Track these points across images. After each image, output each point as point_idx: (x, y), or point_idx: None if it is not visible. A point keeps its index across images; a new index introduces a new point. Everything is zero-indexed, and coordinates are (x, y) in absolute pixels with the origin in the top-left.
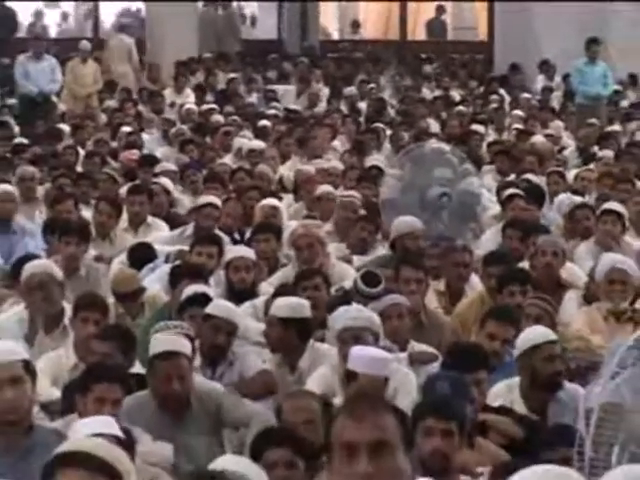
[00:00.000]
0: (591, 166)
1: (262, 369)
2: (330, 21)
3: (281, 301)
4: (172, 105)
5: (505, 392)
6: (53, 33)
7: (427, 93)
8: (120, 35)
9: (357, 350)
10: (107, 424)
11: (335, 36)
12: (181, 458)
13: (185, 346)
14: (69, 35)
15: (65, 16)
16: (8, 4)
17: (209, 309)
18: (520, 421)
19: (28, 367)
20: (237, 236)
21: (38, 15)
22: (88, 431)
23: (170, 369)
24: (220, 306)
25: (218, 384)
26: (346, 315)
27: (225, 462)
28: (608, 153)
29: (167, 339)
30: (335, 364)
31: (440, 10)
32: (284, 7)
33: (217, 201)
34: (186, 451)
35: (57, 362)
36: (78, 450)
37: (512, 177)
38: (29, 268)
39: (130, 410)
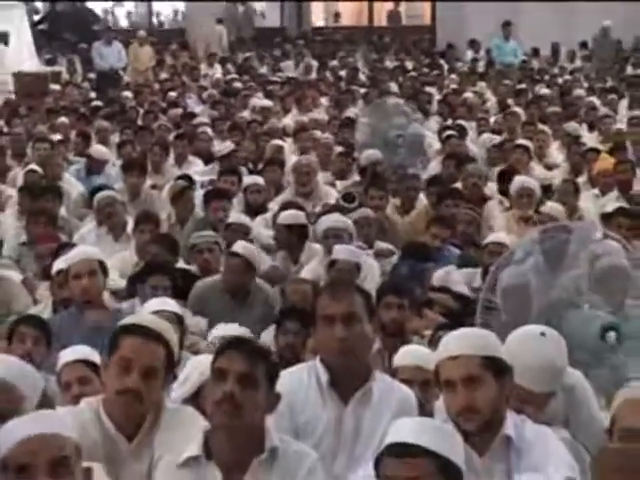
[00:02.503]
0: (508, 111)
1: (272, 264)
2: (318, 13)
3: (285, 213)
4: (205, 76)
5: (444, 275)
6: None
7: (388, 64)
8: (218, 26)
9: (338, 245)
10: (167, 303)
11: (322, 24)
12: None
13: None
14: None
15: (128, 12)
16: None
17: (230, 219)
18: (456, 298)
19: (102, 265)
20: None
21: (108, 12)
22: (154, 308)
23: (234, 265)
24: (238, 217)
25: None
26: (330, 219)
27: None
28: (518, 106)
29: (240, 244)
30: (322, 258)
31: (397, 3)
32: (285, 4)
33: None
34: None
35: (123, 261)
36: (136, 322)
37: (450, 122)
38: (98, 195)
39: (201, 292)
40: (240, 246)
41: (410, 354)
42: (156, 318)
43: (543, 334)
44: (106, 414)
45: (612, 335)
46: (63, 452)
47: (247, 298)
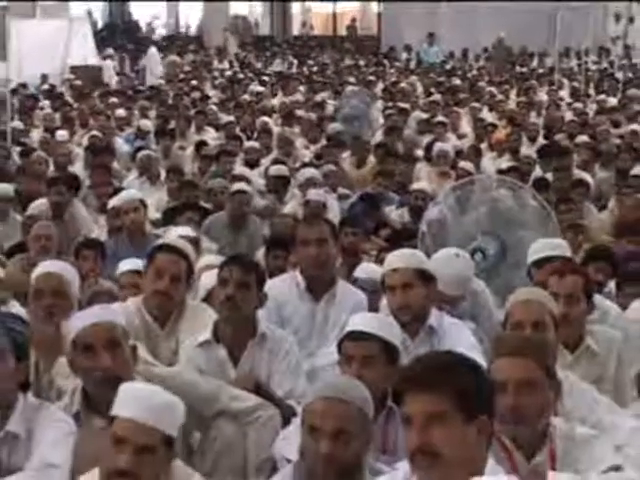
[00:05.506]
0: (432, 98)
1: (265, 204)
2: (297, 25)
3: (273, 167)
4: (216, 69)
5: (386, 212)
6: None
7: (347, 62)
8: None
9: (311, 189)
10: (188, 230)
11: (300, 32)
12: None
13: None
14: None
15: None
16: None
17: (235, 171)
18: (397, 231)
19: (143, 203)
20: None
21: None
22: (179, 234)
23: (240, 201)
24: (241, 169)
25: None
26: (305, 174)
27: None
28: (439, 93)
29: (237, 187)
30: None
31: (354, 20)
32: (274, 15)
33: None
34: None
35: (158, 200)
36: (166, 243)
37: (390, 104)
38: (140, 153)
39: (209, 223)
40: (240, 185)
41: (365, 271)
42: (180, 240)
43: (457, 255)
44: (145, 308)
45: (478, 256)
46: (115, 334)
47: (243, 227)
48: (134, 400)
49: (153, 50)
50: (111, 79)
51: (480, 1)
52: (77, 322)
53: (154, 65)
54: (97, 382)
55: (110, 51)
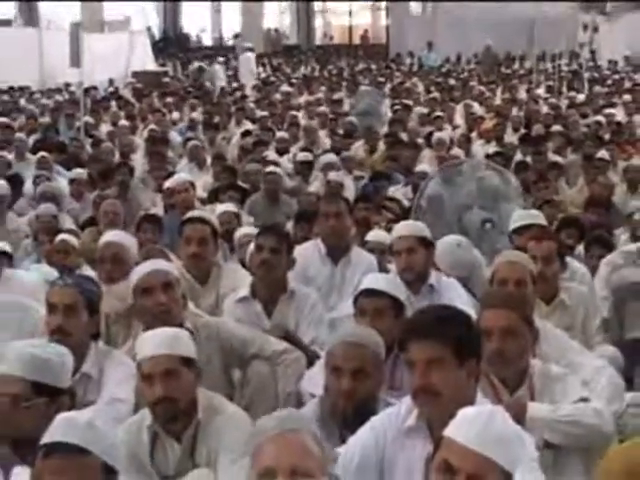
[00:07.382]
0: (431, 95)
1: (293, 184)
2: (319, 35)
3: (300, 154)
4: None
5: (393, 190)
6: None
7: (361, 66)
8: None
9: (331, 172)
10: (231, 206)
11: (321, 42)
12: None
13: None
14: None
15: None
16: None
17: (268, 157)
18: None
19: (192, 185)
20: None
21: (198, 35)
22: (222, 210)
23: (272, 180)
24: (273, 155)
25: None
26: (325, 159)
27: None
28: (436, 91)
29: (270, 169)
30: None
31: (366, 31)
32: (300, 28)
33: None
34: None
35: (204, 182)
36: (191, 215)
37: (397, 101)
38: (189, 143)
39: (251, 203)
40: (271, 168)
41: (374, 236)
42: (202, 211)
43: (459, 245)
44: (185, 270)
45: (488, 225)
46: (169, 278)
47: (276, 204)
48: (147, 342)
49: (248, 54)
50: (220, 82)
51: (474, 1)
52: (136, 273)
53: (252, 66)
54: (154, 317)
55: (220, 59)
